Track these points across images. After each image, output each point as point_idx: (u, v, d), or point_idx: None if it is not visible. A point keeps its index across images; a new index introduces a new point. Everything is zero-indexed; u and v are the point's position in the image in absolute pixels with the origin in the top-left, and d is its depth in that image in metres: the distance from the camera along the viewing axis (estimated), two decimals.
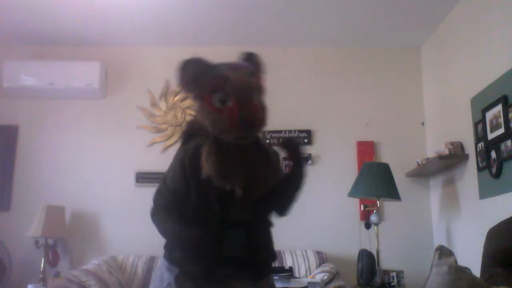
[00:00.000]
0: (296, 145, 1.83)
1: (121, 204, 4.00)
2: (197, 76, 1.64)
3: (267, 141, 4.03)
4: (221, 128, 1.60)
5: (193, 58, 1.66)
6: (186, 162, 1.64)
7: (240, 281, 1.67)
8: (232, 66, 1.67)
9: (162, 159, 4.11)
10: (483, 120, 3.09)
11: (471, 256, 2.78)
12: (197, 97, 1.68)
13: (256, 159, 1.65)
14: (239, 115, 1.57)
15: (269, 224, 1.80)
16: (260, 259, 1.73)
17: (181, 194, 1.65)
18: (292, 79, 4.29)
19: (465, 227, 3.44)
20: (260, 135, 1.74)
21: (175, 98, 4.25)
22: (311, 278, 3.33)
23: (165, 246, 1.74)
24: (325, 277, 3.28)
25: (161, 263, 1.75)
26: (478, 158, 3.18)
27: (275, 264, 3.60)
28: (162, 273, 1.70)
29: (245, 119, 1.57)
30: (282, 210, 1.85)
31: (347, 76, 4.33)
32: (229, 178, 1.57)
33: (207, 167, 1.57)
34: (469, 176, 3.35)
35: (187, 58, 1.66)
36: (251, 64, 1.74)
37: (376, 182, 3.56)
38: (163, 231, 1.69)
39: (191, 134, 1.75)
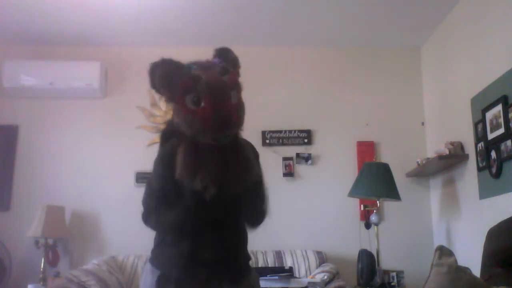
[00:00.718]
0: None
1: (121, 204, 4.00)
2: (167, 78, 1.59)
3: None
4: (196, 130, 1.56)
5: (161, 60, 1.61)
6: (165, 161, 1.65)
7: (220, 284, 1.67)
8: (203, 65, 1.62)
9: None
10: (483, 120, 3.09)
11: (471, 256, 2.78)
12: (170, 99, 1.63)
13: (231, 158, 1.61)
14: (213, 115, 1.52)
15: (243, 227, 1.78)
16: (235, 259, 1.73)
17: (167, 190, 1.66)
18: (292, 79, 4.29)
19: (465, 227, 3.44)
20: (240, 132, 1.67)
21: None
22: (311, 278, 3.33)
23: (152, 251, 1.75)
24: (325, 277, 3.28)
25: (146, 266, 1.75)
26: (478, 158, 3.18)
27: (275, 263, 3.63)
28: (146, 277, 1.72)
29: (219, 120, 1.52)
30: (252, 221, 1.80)
31: (347, 76, 4.33)
32: (198, 178, 1.54)
33: (179, 167, 1.55)
34: (469, 176, 3.35)
35: (156, 60, 1.61)
36: (224, 60, 1.67)
37: (376, 182, 3.56)
38: (159, 228, 1.72)
39: (170, 134, 1.74)
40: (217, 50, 1.70)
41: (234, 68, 1.67)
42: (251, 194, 1.71)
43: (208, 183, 1.55)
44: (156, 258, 1.72)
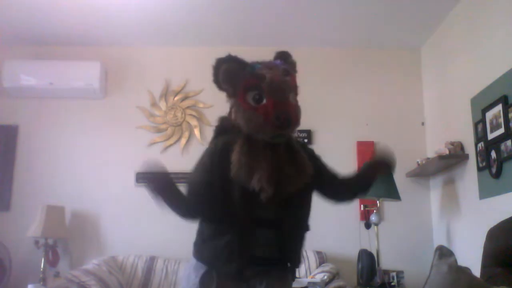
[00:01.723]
0: (388, 168, 1.94)
1: (121, 204, 4.00)
2: (231, 74, 1.63)
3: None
4: (256, 126, 1.59)
5: (227, 56, 1.66)
6: (215, 158, 1.65)
7: (265, 282, 1.68)
8: (267, 65, 1.66)
9: (162, 159, 4.11)
10: (483, 120, 3.09)
11: (471, 256, 2.78)
12: (231, 95, 1.67)
13: (286, 159, 1.63)
14: (275, 113, 1.55)
15: (302, 227, 1.77)
16: (286, 260, 1.72)
17: (208, 185, 1.65)
18: None
19: (465, 227, 3.44)
20: (294, 134, 1.73)
21: (175, 98, 4.24)
22: (311, 278, 3.33)
23: (196, 244, 1.74)
24: (325, 277, 3.28)
25: (189, 263, 1.75)
26: (478, 158, 3.18)
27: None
28: (189, 274, 1.72)
29: (280, 117, 1.56)
30: (346, 197, 1.96)
31: (347, 76, 4.33)
32: (255, 179, 1.56)
33: (235, 166, 1.57)
34: (469, 176, 3.35)
35: (222, 56, 1.66)
36: (285, 63, 1.73)
37: (376, 182, 3.55)
38: (209, 220, 1.70)
39: (222, 130, 1.76)
40: (278, 53, 1.78)
41: (294, 71, 1.73)
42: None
43: (265, 184, 1.56)
44: (201, 252, 1.71)
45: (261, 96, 1.58)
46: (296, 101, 1.67)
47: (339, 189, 1.92)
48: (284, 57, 1.77)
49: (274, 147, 1.61)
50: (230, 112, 1.74)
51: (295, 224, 1.73)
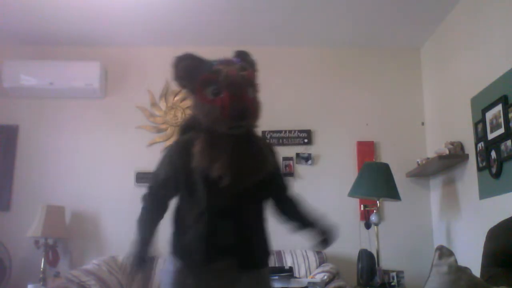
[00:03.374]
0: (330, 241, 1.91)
1: (121, 204, 4.00)
2: (190, 70, 1.72)
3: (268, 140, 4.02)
4: (214, 118, 1.65)
5: (185, 54, 1.76)
6: (178, 152, 1.74)
7: (236, 272, 1.72)
8: (223, 61, 1.74)
9: None
10: (483, 120, 3.09)
11: (471, 256, 2.78)
12: (190, 91, 1.76)
13: (246, 150, 1.69)
14: (231, 104, 1.62)
15: (260, 218, 1.83)
16: (249, 248, 1.76)
17: (167, 182, 1.76)
18: (292, 79, 4.30)
19: (465, 227, 3.44)
20: (254, 128, 1.78)
21: (175, 98, 4.24)
22: (311, 278, 3.33)
23: (170, 242, 1.82)
24: (325, 277, 3.28)
25: (167, 259, 1.82)
26: (478, 158, 3.18)
27: (275, 263, 3.63)
28: (167, 269, 1.79)
29: (236, 108, 1.63)
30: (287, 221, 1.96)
31: (347, 76, 4.33)
32: (215, 167, 1.62)
33: (197, 156, 1.64)
34: (469, 176, 3.35)
35: (180, 54, 1.75)
36: (243, 61, 1.80)
37: (376, 182, 3.56)
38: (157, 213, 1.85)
39: (187, 129, 1.83)
40: (237, 52, 1.86)
41: (252, 69, 1.81)
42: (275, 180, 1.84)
43: (225, 171, 1.62)
44: (174, 247, 1.78)
45: (219, 90, 1.65)
46: (255, 96, 1.73)
47: (281, 204, 1.96)
48: (242, 56, 1.85)
49: (235, 139, 1.68)
50: (192, 110, 1.82)
51: (254, 215, 1.80)
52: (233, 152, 1.65)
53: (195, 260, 1.70)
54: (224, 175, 1.62)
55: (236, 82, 1.66)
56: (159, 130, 4.21)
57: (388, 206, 4.00)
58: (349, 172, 3.99)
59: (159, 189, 1.80)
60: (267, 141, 1.99)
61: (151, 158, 4.08)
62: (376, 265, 3.46)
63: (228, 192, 1.65)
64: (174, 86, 4.23)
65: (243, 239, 1.72)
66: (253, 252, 1.77)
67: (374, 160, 3.96)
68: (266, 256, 1.85)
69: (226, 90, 1.63)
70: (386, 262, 3.64)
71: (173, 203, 1.86)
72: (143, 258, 1.79)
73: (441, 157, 3.45)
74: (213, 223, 1.69)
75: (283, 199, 1.96)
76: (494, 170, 2.95)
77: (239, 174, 1.64)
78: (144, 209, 1.85)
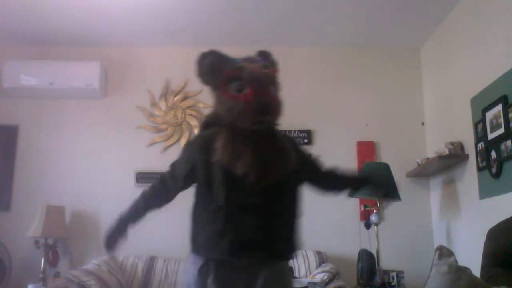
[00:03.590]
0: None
1: (121, 204, 3.94)
2: (214, 67, 1.75)
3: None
4: (237, 113, 1.67)
5: (210, 51, 1.78)
6: (199, 146, 1.75)
7: (261, 267, 1.72)
8: (247, 59, 1.78)
9: (162, 159, 4.11)
10: (483, 120, 3.09)
11: (471, 256, 2.78)
12: (214, 87, 1.78)
13: (269, 147, 1.70)
14: (255, 99, 1.65)
15: (290, 214, 1.82)
16: (272, 242, 1.75)
17: (181, 174, 1.78)
18: (292, 79, 4.28)
19: (465, 227, 3.44)
20: (276, 125, 1.79)
21: (175, 98, 4.25)
22: (311, 278, 3.33)
23: (190, 239, 1.80)
24: (325, 277, 3.28)
25: (187, 257, 1.80)
26: (478, 158, 3.18)
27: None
28: (188, 268, 1.77)
29: (260, 103, 1.65)
30: (329, 191, 2.06)
31: (347, 76, 4.33)
32: (239, 164, 1.62)
33: (220, 151, 1.65)
34: (469, 176, 3.35)
35: (205, 51, 1.78)
36: (265, 60, 1.85)
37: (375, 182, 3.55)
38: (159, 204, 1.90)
39: (208, 125, 1.84)
40: (259, 51, 1.91)
41: (274, 68, 1.86)
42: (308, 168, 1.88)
43: (249, 169, 1.62)
44: (196, 244, 1.76)
45: (243, 86, 1.68)
46: (277, 94, 1.76)
47: (322, 183, 2.06)
48: (264, 55, 1.89)
49: (258, 135, 1.68)
50: (214, 106, 1.83)
51: (282, 210, 1.78)
52: (256, 148, 1.65)
53: (216, 255, 1.69)
54: (249, 173, 1.62)
55: (260, 78, 1.69)
56: (159, 130, 4.21)
57: (388, 206, 4.00)
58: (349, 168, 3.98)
59: (170, 178, 1.82)
60: (289, 135, 2.00)
61: (151, 158, 4.16)
62: (376, 265, 3.46)
63: (251, 188, 1.65)
64: (174, 86, 4.26)
65: (266, 234, 1.71)
66: (276, 246, 1.76)
67: (374, 160, 3.96)
68: (291, 250, 1.82)
69: (250, 86, 1.66)
70: (386, 262, 3.64)
71: (189, 201, 1.84)
72: (116, 238, 1.87)
73: (441, 157, 3.44)
74: (235, 218, 1.68)
75: (322, 178, 2.01)
76: (494, 170, 2.95)
77: (262, 170, 1.64)
78: (146, 192, 1.89)
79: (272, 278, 1.73)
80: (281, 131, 1.83)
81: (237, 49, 1.86)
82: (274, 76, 1.79)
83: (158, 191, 1.87)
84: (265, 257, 1.71)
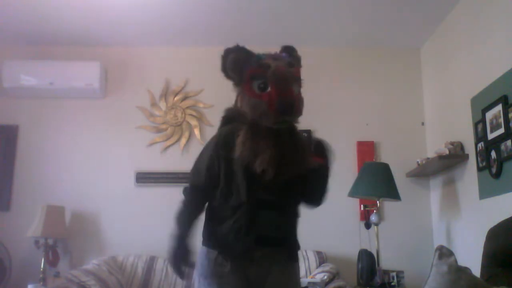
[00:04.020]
0: (325, 150, 1.91)
1: (121, 204, 4.00)
2: (239, 62, 1.75)
3: None
4: (260, 112, 1.68)
5: (235, 46, 1.78)
6: (220, 142, 1.76)
7: (274, 262, 1.76)
8: (272, 56, 1.77)
9: (162, 159, 4.12)
10: (483, 120, 3.09)
11: (471, 256, 2.78)
12: (237, 83, 1.78)
13: (288, 145, 1.71)
14: (278, 99, 1.65)
15: (295, 212, 1.86)
16: (286, 240, 1.81)
17: (210, 172, 1.77)
18: None
19: (465, 227, 3.44)
20: (296, 124, 1.80)
21: (175, 98, 4.24)
22: (311, 278, 3.33)
23: (203, 233, 1.83)
24: (325, 277, 3.28)
25: (200, 251, 1.83)
26: (478, 158, 3.18)
27: None
28: (202, 261, 1.79)
29: (283, 103, 1.65)
30: (314, 200, 1.95)
31: (347, 76, 4.33)
32: (258, 161, 1.64)
33: (240, 148, 1.66)
34: (469, 176, 3.35)
35: (230, 46, 1.78)
36: (290, 56, 1.84)
37: (376, 182, 3.56)
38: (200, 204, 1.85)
39: (228, 120, 1.85)
40: (284, 47, 1.91)
41: (298, 65, 1.85)
42: (314, 176, 1.83)
43: (267, 166, 1.64)
44: (211, 238, 1.79)
45: (266, 84, 1.68)
46: (299, 93, 1.76)
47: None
48: (289, 51, 1.88)
49: (278, 133, 1.69)
50: (236, 101, 1.84)
51: (291, 209, 1.84)
52: (276, 146, 1.66)
53: (233, 250, 1.72)
54: (267, 169, 1.64)
55: (284, 78, 1.69)
56: (159, 130, 4.21)
57: (388, 206, 4.00)
58: (349, 172, 3.99)
59: (203, 180, 1.80)
60: (312, 136, 2.01)
61: (151, 158, 4.16)
62: (376, 265, 3.46)
63: (269, 185, 1.68)
64: (174, 86, 4.26)
65: (281, 231, 1.76)
66: (289, 244, 1.82)
67: (374, 160, 3.96)
68: (297, 248, 1.89)
69: (274, 85, 1.67)
70: (386, 262, 3.64)
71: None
72: (183, 254, 1.77)
73: (441, 157, 3.44)
74: (252, 214, 1.71)
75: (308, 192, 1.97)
76: (494, 170, 2.95)
77: (281, 167, 1.66)
78: (185, 203, 1.85)
79: (283, 274, 1.79)
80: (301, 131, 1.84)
81: (284, 45, 1.87)
82: (298, 74, 1.78)
83: (191, 193, 1.85)
84: (279, 252, 1.77)
